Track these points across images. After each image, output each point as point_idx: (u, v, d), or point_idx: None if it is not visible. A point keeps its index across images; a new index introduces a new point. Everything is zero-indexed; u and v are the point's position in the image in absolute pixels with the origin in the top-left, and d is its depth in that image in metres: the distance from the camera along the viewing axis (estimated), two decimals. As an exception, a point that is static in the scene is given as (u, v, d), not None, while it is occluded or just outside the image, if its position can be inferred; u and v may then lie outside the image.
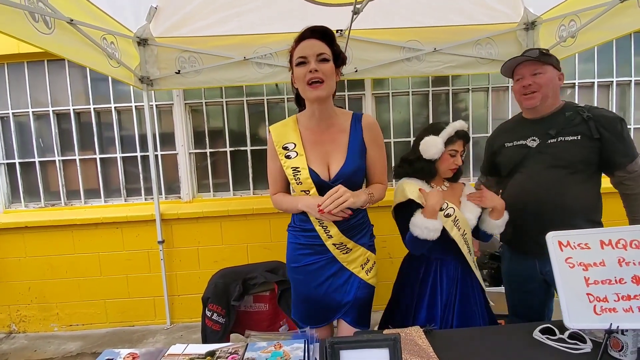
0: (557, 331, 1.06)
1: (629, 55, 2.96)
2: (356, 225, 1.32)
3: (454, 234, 1.35)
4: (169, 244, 2.81)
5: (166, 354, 1.11)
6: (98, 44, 2.01)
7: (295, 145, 1.27)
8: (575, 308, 0.97)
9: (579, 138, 1.37)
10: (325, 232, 1.28)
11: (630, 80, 2.98)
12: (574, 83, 2.96)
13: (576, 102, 1.60)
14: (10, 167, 2.94)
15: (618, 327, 0.91)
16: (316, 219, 1.26)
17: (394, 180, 2.66)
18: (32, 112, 2.88)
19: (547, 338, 1.06)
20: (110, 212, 2.83)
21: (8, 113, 2.87)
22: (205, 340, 1.75)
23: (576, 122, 1.38)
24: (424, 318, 1.39)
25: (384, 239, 2.77)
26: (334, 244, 1.29)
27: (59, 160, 2.92)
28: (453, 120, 1.47)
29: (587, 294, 0.96)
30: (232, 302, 1.72)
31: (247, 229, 2.81)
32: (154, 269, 2.83)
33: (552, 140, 1.41)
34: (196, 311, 2.86)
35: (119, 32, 2.24)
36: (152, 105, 2.74)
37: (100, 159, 2.94)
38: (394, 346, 0.87)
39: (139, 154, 2.94)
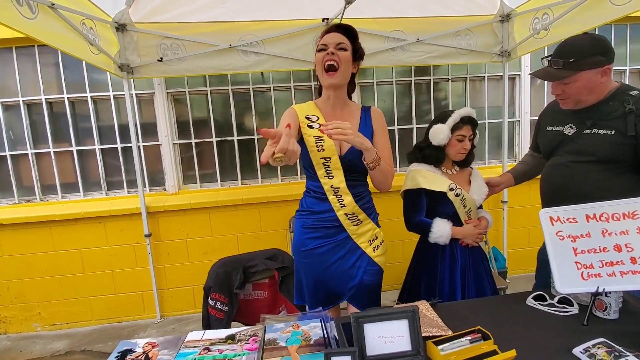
0: (547, 297, 1.19)
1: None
2: (363, 210, 1.38)
3: (460, 211, 1.55)
4: (155, 237, 2.75)
5: (186, 341, 1.13)
6: (79, 30, 1.91)
7: (318, 118, 1.35)
8: (566, 275, 1.09)
9: (612, 133, 1.25)
10: (339, 201, 1.33)
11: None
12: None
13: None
14: (-23, 162, 2.74)
15: (604, 289, 1.04)
16: (330, 187, 1.33)
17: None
18: (1, 102, 2.68)
19: (539, 304, 1.18)
20: (90, 207, 2.73)
21: (-28, 104, 2.67)
22: (208, 329, 1.76)
23: (616, 114, 1.25)
24: (447, 291, 1.55)
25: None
26: (346, 214, 1.35)
27: (31, 153, 2.75)
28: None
29: (576, 262, 1.08)
30: (234, 290, 1.74)
31: (236, 219, 2.81)
32: (141, 263, 2.77)
33: (586, 131, 1.32)
34: (187, 303, 2.86)
35: (97, 16, 2.13)
36: (132, 94, 2.63)
37: (77, 151, 2.80)
38: (412, 317, 0.95)
39: (119, 145, 2.83)
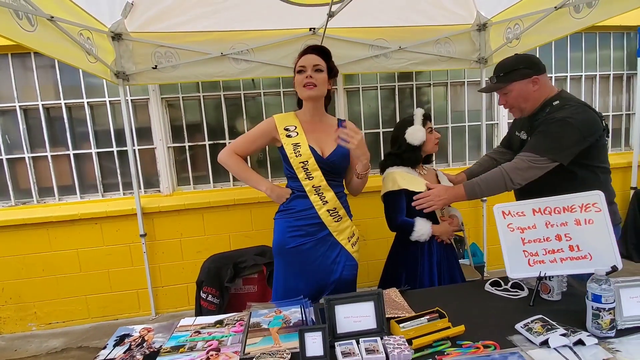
0: (502, 283, 1.33)
1: (565, 52, 3.38)
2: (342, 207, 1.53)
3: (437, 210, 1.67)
4: (151, 237, 2.86)
5: (179, 326, 1.25)
6: (76, 40, 2.03)
7: (295, 127, 1.51)
8: (515, 262, 1.24)
9: (527, 137, 1.50)
10: (321, 199, 1.48)
11: (566, 76, 3.41)
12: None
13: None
14: (-25, 166, 2.83)
15: (546, 274, 1.18)
16: (312, 187, 1.48)
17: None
18: (-3, 107, 2.78)
19: (495, 289, 1.33)
20: (87, 208, 2.83)
21: (-30, 109, 2.76)
22: (200, 320, 1.88)
23: (538, 122, 1.46)
24: (427, 283, 1.68)
25: (358, 222, 2.98)
26: (328, 210, 1.49)
27: (28, 157, 2.85)
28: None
29: (524, 251, 1.23)
30: (225, 284, 1.86)
31: (228, 219, 2.93)
32: (136, 262, 2.88)
33: (528, 137, 1.54)
34: (181, 301, 2.97)
35: (94, 27, 2.25)
36: (127, 100, 2.74)
37: (74, 154, 2.90)
38: (378, 299, 1.08)
39: (115, 149, 2.94)
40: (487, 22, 2.79)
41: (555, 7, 2.13)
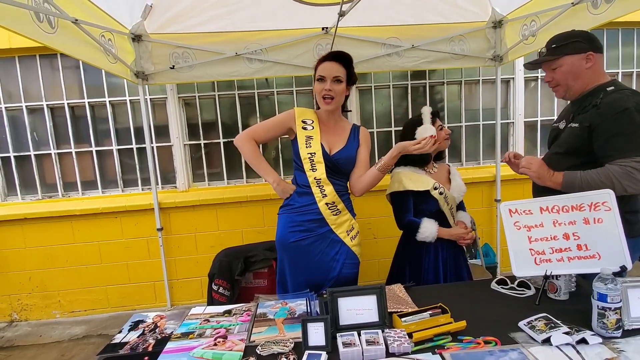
0: (508, 281, 1.33)
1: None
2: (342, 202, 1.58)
3: (445, 208, 1.68)
4: (167, 231, 2.96)
5: (189, 314, 1.31)
6: (98, 41, 2.12)
7: (312, 121, 1.59)
8: (521, 260, 1.23)
9: (577, 126, 1.33)
10: (321, 191, 1.53)
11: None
12: (537, 76, 3.27)
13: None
14: (5, 161, 2.99)
15: (552, 272, 1.17)
16: (314, 179, 1.54)
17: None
18: (26, 106, 2.93)
19: (502, 288, 1.32)
20: (108, 203, 2.95)
21: (1, 107, 2.92)
22: (211, 312, 1.94)
23: (588, 109, 1.31)
24: (432, 279, 1.70)
25: (369, 221, 3.03)
26: (326, 204, 1.54)
27: (54, 153, 3.00)
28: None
29: (530, 249, 1.22)
30: (236, 277, 1.92)
31: (241, 215, 3.00)
32: (153, 256, 2.98)
33: (568, 125, 1.40)
34: (195, 293, 3.06)
35: (115, 29, 2.34)
36: (146, 99, 2.84)
37: (96, 151, 3.03)
38: (380, 293, 1.10)
39: (134, 146, 3.05)
40: (503, 19, 2.74)
41: (572, 3, 2.08)
